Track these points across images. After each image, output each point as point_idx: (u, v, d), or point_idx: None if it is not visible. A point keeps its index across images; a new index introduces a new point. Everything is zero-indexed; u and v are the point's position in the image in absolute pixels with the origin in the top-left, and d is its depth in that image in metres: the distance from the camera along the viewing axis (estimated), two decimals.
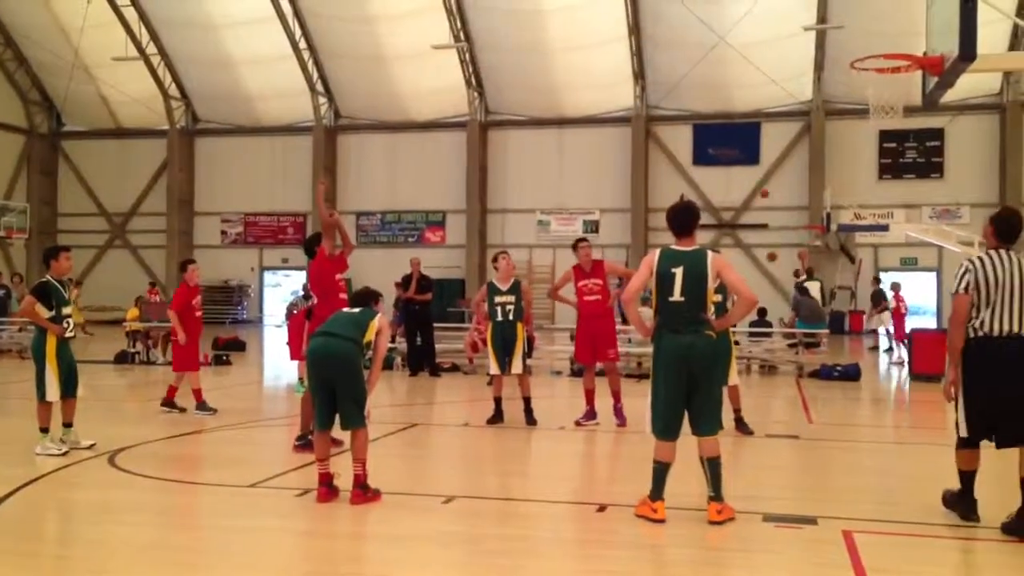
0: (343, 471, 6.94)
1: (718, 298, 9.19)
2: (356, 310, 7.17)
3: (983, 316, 6.17)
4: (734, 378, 9.97)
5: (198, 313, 11.82)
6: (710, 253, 6.39)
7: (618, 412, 10.55)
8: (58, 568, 5.35)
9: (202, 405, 11.43)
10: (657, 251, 6.43)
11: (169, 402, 11.56)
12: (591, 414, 10.63)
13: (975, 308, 6.20)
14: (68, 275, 9.38)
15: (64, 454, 8.53)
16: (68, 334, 9.00)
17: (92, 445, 8.86)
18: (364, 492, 6.73)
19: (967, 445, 6.37)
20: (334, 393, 6.78)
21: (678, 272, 6.26)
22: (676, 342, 6.26)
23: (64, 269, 9.03)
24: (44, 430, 8.68)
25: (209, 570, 5.39)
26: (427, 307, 17.09)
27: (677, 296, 6.26)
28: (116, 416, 12.19)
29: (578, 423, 10.58)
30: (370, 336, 6.95)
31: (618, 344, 11.10)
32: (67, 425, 8.89)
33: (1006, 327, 6.10)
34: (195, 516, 6.79)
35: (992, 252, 6.28)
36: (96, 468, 8.10)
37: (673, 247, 6.42)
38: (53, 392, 8.77)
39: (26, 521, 6.47)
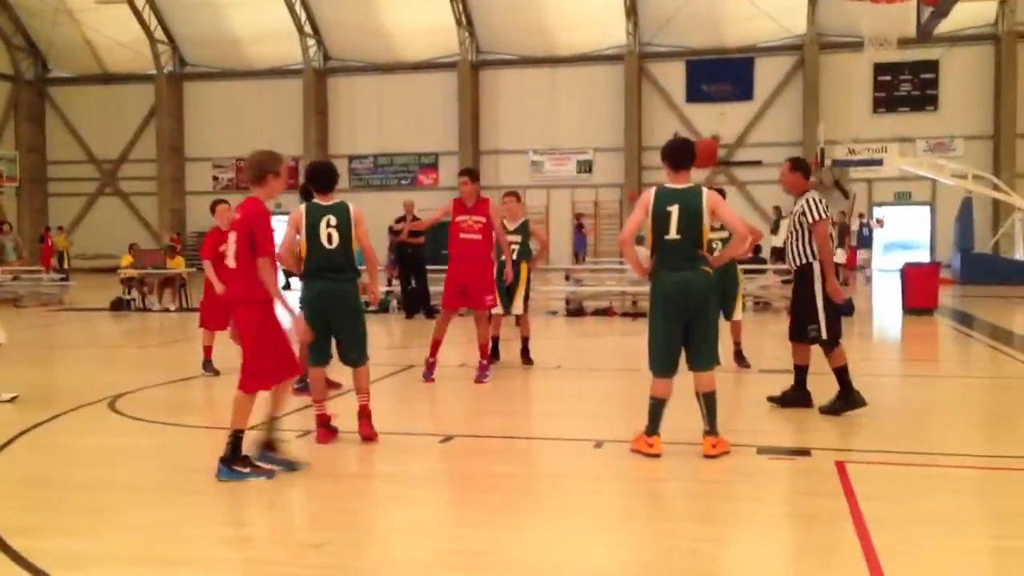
0: (341, 413, 7.00)
1: (725, 234, 9.24)
2: (335, 244, 6.69)
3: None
4: (738, 313, 10.14)
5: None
6: (705, 190, 6.39)
7: (482, 369, 9.60)
8: (62, 512, 5.42)
9: (208, 363, 10.41)
10: (652, 190, 6.42)
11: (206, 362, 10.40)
12: (432, 368, 9.61)
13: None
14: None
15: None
16: None
17: (14, 398, 8.63)
18: (371, 425, 6.80)
19: (836, 344, 7.66)
20: (334, 333, 6.80)
21: (674, 210, 6.26)
22: (673, 279, 6.28)
23: None
24: None
25: (213, 511, 5.47)
26: (420, 250, 17.08)
27: (673, 234, 6.27)
28: (115, 362, 12.25)
29: (427, 378, 9.57)
30: (356, 244, 6.84)
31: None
32: None
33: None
34: (197, 459, 6.84)
35: (814, 193, 7.74)
36: (96, 414, 8.16)
37: (668, 186, 6.41)
38: None
39: (29, 466, 6.53)
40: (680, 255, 6.29)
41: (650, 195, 6.39)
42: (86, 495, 5.73)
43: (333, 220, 6.74)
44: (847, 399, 7.59)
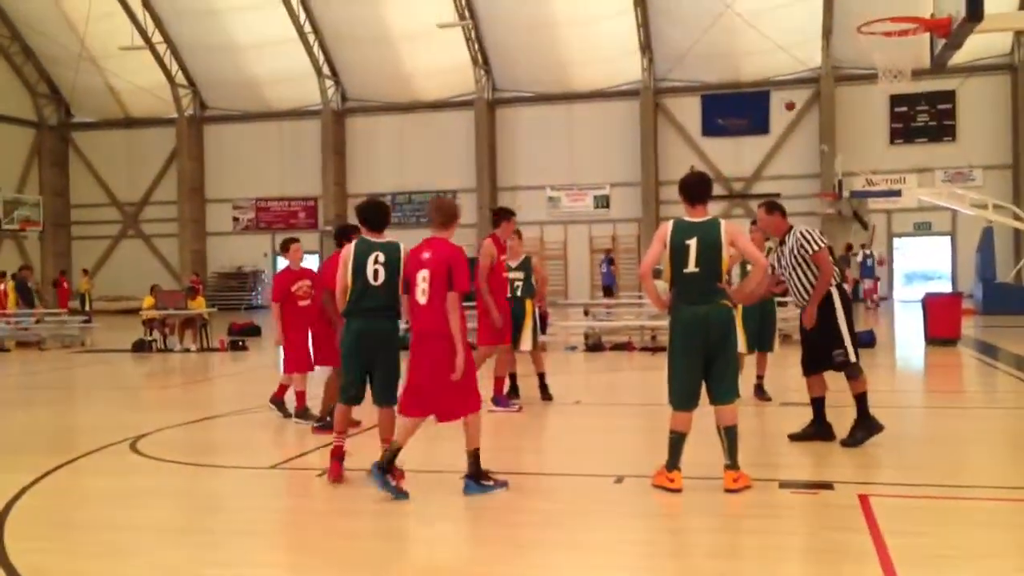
0: (356, 452, 6.99)
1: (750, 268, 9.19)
2: (380, 280, 6.65)
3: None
4: (775, 345, 10.22)
5: (303, 302, 9.56)
6: (723, 222, 6.40)
7: (504, 398, 10.04)
8: (82, 555, 5.44)
9: (303, 412, 9.53)
10: (669, 223, 6.42)
11: (277, 401, 9.90)
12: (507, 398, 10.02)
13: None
14: None
15: None
16: None
17: None
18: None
19: (860, 369, 7.64)
20: (369, 371, 6.79)
21: (692, 243, 6.26)
22: (692, 313, 6.27)
23: None
24: None
25: (234, 550, 5.47)
26: None
27: (692, 267, 6.27)
28: (136, 403, 12.31)
29: (504, 408, 9.85)
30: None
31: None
32: None
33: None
34: (218, 498, 6.88)
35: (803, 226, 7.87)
36: (118, 455, 8.20)
37: (686, 219, 6.42)
38: None
39: (51, 508, 6.56)
40: (699, 288, 6.28)
41: (667, 228, 6.40)
42: (108, 536, 5.74)
43: (382, 257, 6.69)
44: (865, 427, 7.53)
